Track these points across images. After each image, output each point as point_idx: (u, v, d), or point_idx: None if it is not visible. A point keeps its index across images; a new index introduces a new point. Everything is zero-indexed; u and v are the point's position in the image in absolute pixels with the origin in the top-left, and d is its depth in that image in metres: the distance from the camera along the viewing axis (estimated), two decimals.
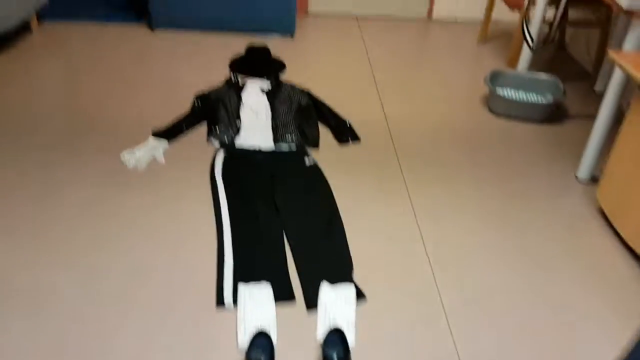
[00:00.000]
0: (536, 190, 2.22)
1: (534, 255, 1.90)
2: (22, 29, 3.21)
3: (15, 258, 1.74)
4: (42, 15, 3.37)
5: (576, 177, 2.29)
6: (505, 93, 2.81)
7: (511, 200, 2.15)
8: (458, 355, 1.54)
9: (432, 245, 1.91)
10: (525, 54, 2.84)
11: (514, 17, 3.85)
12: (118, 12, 3.53)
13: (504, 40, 3.61)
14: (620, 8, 2.00)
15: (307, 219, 1.96)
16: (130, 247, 1.81)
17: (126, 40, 3.21)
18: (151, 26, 3.35)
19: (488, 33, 3.60)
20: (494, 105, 2.72)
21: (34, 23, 3.21)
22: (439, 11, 3.86)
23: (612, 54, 1.83)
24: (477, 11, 3.87)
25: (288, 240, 1.89)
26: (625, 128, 1.92)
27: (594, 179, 2.29)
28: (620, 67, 1.79)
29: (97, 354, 1.48)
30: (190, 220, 1.94)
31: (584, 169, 2.25)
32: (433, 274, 1.80)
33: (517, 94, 2.82)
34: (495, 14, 3.81)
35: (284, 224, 1.94)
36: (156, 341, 1.53)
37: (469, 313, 1.67)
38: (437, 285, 1.76)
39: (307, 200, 2.04)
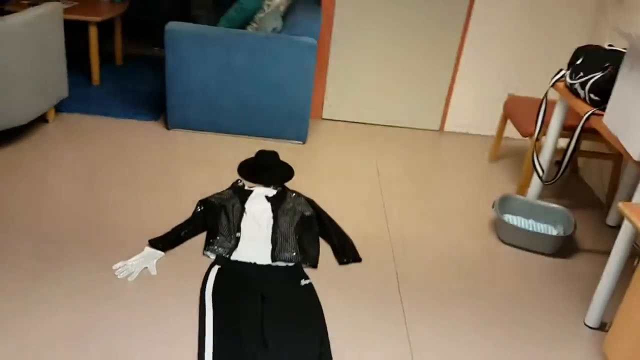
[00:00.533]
0: (542, 333, 2.09)
1: None
2: (39, 118, 3.28)
3: None
4: (60, 105, 3.47)
5: (584, 323, 2.17)
6: (515, 221, 2.74)
7: (515, 342, 2.02)
8: None
9: None
10: (535, 183, 2.80)
11: None
12: (135, 109, 3.61)
13: (516, 159, 3.59)
14: (630, 157, 1.97)
15: (296, 349, 1.85)
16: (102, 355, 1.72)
17: (141, 138, 3.26)
18: (167, 125, 3.42)
19: (500, 150, 3.59)
20: (502, 233, 2.65)
21: (51, 113, 3.29)
22: (451, 124, 3.90)
23: (621, 207, 1.77)
24: (489, 127, 3.89)
25: None
26: (636, 281, 1.82)
27: (603, 326, 2.16)
28: (630, 221, 1.72)
29: None
30: (171, 346, 1.85)
31: (593, 315, 2.13)
32: None
33: (526, 222, 2.75)
34: (508, 132, 3.82)
35: (270, 355, 1.83)
36: None
37: None
38: None
39: (296, 331, 1.94)
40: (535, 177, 2.82)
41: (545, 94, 2.67)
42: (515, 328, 2.11)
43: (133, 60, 4.55)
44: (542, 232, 2.62)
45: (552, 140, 2.72)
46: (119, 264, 2.19)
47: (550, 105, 3.00)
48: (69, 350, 1.77)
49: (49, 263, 2.15)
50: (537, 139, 2.71)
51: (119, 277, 2.12)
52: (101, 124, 3.38)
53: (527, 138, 2.94)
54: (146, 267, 2.19)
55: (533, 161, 2.70)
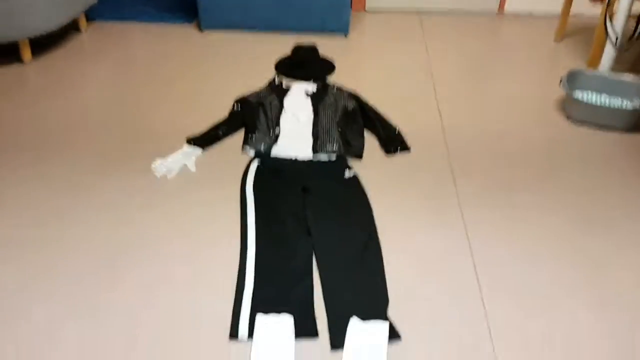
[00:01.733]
0: (618, 218, 1.87)
1: (614, 297, 1.58)
2: (71, 28, 3.19)
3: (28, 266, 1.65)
4: (91, 14, 3.35)
5: None
6: (585, 97, 2.45)
7: (588, 228, 1.82)
8: None
9: (487, 281, 1.63)
10: (608, 52, 2.46)
11: (595, 10, 3.42)
12: (167, 13, 3.45)
13: (585, 37, 3.21)
14: None
15: (340, 243, 1.74)
16: (144, 264, 1.67)
17: (174, 42, 3.12)
18: (200, 27, 3.24)
19: (566, 29, 3.21)
20: (571, 111, 2.38)
21: (83, 22, 3.18)
22: (511, 4, 3.50)
23: None
24: (554, 4, 3.47)
25: (317, 266, 1.68)
26: None
27: None
28: None
29: None
30: (214, 237, 1.78)
31: None
32: (486, 317, 1.53)
33: (599, 98, 2.45)
34: (574, 7, 3.40)
35: (314, 247, 1.73)
36: None
37: None
38: (490, 331, 1.49)
39: (341, 221, 1.82)
40: (607, 48, 2.49)
41: None
42: (588, 211, 1.90)
43: None
44: (617, 106, 2.32)
45: (626, 1, 2.35)
46: (158, 161, 2.11)
47: None
48: (115, 250, 1.74)
49: (88, 173, 2.10)
50: (609, 3, 2.35)
51: (158, 174, 2.05)
52: (134, 29, 3.25)
53: (596, 4, 2.57)
54: (185, 165, 2.11)
55: (605, 26, 2.36)
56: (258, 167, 2.08)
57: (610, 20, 2.35)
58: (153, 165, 2.10)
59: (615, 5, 2.43)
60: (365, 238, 1.76)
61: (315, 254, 1.71)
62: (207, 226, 1.82)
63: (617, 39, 2.37)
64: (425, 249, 1.74)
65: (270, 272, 1.65)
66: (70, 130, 2.32)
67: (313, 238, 1.75)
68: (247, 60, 2.93)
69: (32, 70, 2.79)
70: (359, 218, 1.85)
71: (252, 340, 1.45)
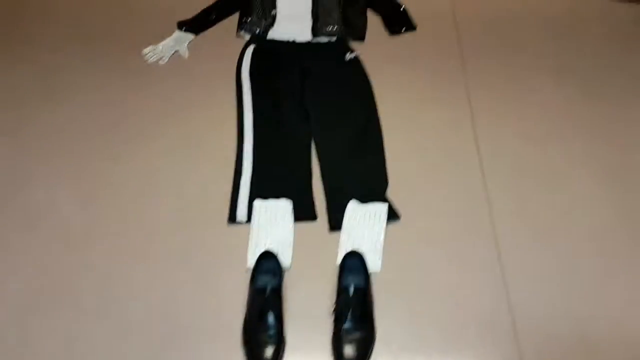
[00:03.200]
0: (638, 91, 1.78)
1: (623, 172, 1.53)
2: None
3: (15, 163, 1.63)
4: None
5: None
6: None
7: (603, 104, 1.73)
8: (509, 304, 1.28)
9: (489, 158, 1.58)
10: None
11: None
12: None
13: None
14: None
15: (340, 125, 1.68)
16: (140, 152, 1.64)
17: None
18: None
19: None
20: None
21: None
22: None
23: None
24: None
25: (316, 149, 1.63)
26: None
27: None
28: None
29: (94, 269, 1.36)
30: (210, 122, 1.73)
31: None
32: (487, 196, 1.49)
33: None
34: None
35: (312, 130, 1.67)
36: (158, 256, 1.38)
37: (529, 253, 1.37)
38: (490, 208, 1.46)
39: (341, 103, 1.74)
40: None
41: None
42: (605, 87, 1.80)
43: None
44: None
45: None
46: (149, 48, 2.01)
47: None
48: (105, 131, 1.70)
49: (74, 54, 2.00)
50: None
51: (149, 61, 1.96)
52: None
53: None
54: (177, 51, 2.01)
55: None
56: (254, 51, 1.97)
57: None
58: (144, 52, 2.00)
59: None
60: (365, 120, 1.70)
61: (313, 137, 1.66)
62: (203, 111, 1.76)
63: None
64: (427, 128, 1.68)
65: (268, 156, 1.61)
66: (55, 9, 2.19)
67: (312, 121, 1.69)
68: None
69: None
70: (360, 100, 1.77)
71: (250, 225, 1.45)
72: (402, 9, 2.14)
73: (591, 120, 1.69)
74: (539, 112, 1.72)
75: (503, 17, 2.12)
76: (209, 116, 1.75)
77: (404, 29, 2.08)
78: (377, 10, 2.18)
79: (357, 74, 1.88)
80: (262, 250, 1.34)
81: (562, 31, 2.04)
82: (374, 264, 1.31)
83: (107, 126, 1.72)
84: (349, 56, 1.94)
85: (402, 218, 1.44)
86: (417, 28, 2.08)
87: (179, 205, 1.50)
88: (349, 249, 1.34)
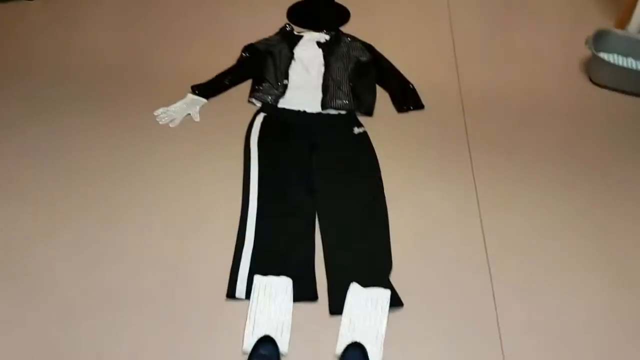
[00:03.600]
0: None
1: (628, 274, 1.53)
2: None
3: (18, 228, 1.62)
4: None
5: None
6: (612, 59, 2.31)
7: (609, 200, 1.75)
8: None
9: (495, 250, 1.58)
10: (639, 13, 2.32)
11: None
12: None
13: None
14: None
15: (345, 204, 1.68)
16: (142, 218, 1.64)
17: None
18: None
19: None
20: (596, 73, 2.25)
21: None
22: None
23: None
24: None
25: (320, 227, 1.63)
26: None
27: None
28: None
29: (92, 342, 1.33)
30: (215, 191, 1.73)
31: None
32: (492, 288, 1.49)
33: (625, 61, 2.32)
34: None
35: (318, 206, 1.68)
36: (154, 328, 1.36)
37: (531, 345, 1.36)
38: (495, 306, 1.45)
39: (347, 181, 1.76)
40: (638, 8, 2.33)
41: None
42: (610, 182, 1.83)
43: None
44: None
45: None
46: (160, 109, 2.04)
47: None
48: (110, 192, 1.70)
49: (85, 113, 2.03)
50: None
51: (160, 122, 1.99)
52: None
53: None
54: (189, 114, 2.04)
55: None
56: (264, 119, 2.00)
57: None
58: (155, 113, 2.03)
59: None
60: (371, 200, 1.71)
61: (318, 215, 1.66)
62: (209, 179, 1.77)
63: None
64: (433, 212, 1.68)
65: (271, 231, 1.61)
66: (68, 69, 2.23)
67: (317, 197, 1.70)
68: (256, 3, 2.79)
69: (35, 7, 2.68)
70: (366, 178, 1.79)
71: (249, 301, 1.43)
72: (410, 88, 2.20)
73: (593, 208, 1.71)
74: (542, 196, 1.74)
75: (508, 100, 2.17)
76: (216, 183, 1.76)
77: (412, 107, 2.12)
78: (386, 87, 2.23)
79: (364, 149, 1.90)
80: (260, 332, 1.32)
81: (566, 117, 2.08)
82: (374, 356, 1.28)
83: (110, 191, 1.72)
84: (357, 130, 1.97)
85: (405, 304, 1.43)
86: (425, 107, 2.12)
87: (179, 276, 1.49)
88: (349, 338, 1.32)
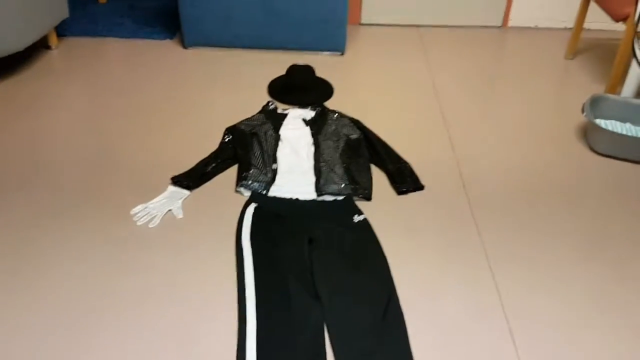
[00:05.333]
0: None
1: None
2: (40, 45, 2.88)
3: None
4: (62, 30, 3.04)
5: None
6: (609, 126, 2.24)
7: (616, 274, 1.61)
8: None
9: (525, 345, 1.40)
10: (633, 77, 2.27)
11: (609, 24, 3.24)
12: (146, 27, 3.16)
13: (598, 54, 3.02)
14: None
15: (355, 309, 1.49)
16: (119, 332, 1.40)
17: (155, 60, 2.84)
18: (183, 43, 2.97)
19: (578, 45, 3.01)
20: (595, 141, 2.17)
21: (53, 39, 2.88)
22: (516, 17, 3.30)
23: None
24: (563, 17, 3.28)
25: (330, 339, 1.43)
26: None
27: None
28: None
29: None
30: (206, 302, 1.51)
31: None
32: None
33: (623, 127, 2.25)
34: (586, 21, 3.21)
35: (325, 316, 1.48)
36: None
37: None
38: None
39: (355, 280, 1.57)
40: (631, 72, 2.29)
41: None
42: (617, 256, 1.69)
43: None
44: None
45: None
46: (138, 207, 1.84)
47: None
48: (82, 320, 1.46)
49: (54, 215, 1.82)
50: (637, 23, 2.15)
51: (138, 223, 1.78)
52: (110, 46, 2.97)
53: (620, 23, 2.37)
54: (170, 210, 1.84)
55: (633, 49, 2.15)
56: (255, 212, 1.82)
57: (639, 41, 2.15)
58: (132, 212, 1.83)
59: None
60: (385, 302, 1.51)
61: (327, 326, 1.46)
62: (198, 287, 1.56)
63: None
64: (447, 307, 1.50)
65: (274, 349, 1.39)
66: (35, 163, 2.03)
67: (323, 303, 1.50)
68: (237, 81, 2.67)
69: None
70: (375, 275, 1.60)
71: None
72: (407, 167, 2.06)
73: (610, 287, 1.56)
74: (560, 274, 1.58)
75: (509, 174, 2.05)
76: (205, 295, 1.54)
77: (411, 189, 1.98)
78: (382, 168, 2.09)
79: (367, 240, 1.73)
80: None
81: (571, 188, 1.97)
82: None
83: (83, 311, 1.49)
84: (357, 219, 1.80)
85: None
86: (425, 188, 1.98)
87: None
88: None
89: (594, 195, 1.96)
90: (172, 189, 1.93)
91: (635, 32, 2.17)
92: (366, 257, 1.66)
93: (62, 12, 2.83)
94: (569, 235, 1.78)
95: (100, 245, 1.69)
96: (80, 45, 2.95)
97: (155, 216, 1.81)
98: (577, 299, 1.55)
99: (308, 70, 2.65)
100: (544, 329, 1.46)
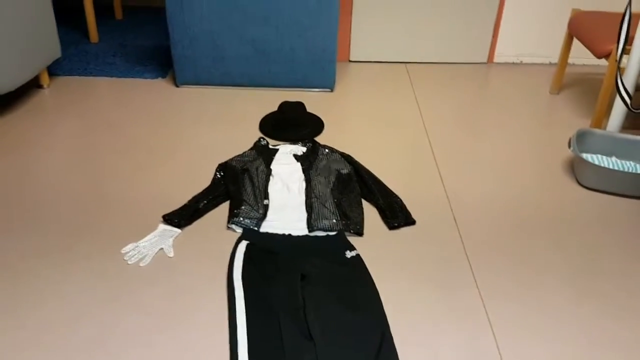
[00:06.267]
0: None
1: None
2: (32, 85, 2.90)
3: None
4: (54, 69, 3.07)
5: None
6: (596, 160, 2.27)
7: (611, 308, 1.61)
8: None
9: None
10: (617, 112, 2.32)
11: (593, 59, 3.32)
12: (138, 66, 3.20)
13: (583, 88, 3.09)
14: None
15: (347, 346, 1.46)
16: None
17: (147, 99, 2.86)
18: (175, 82, 3.00)
19: (563, 79, 3.08)
20: (582, 176, 2.20)
21: (45, 78, 2.90)
22: (501, 54, 3.38)
23: None
24: (547, 52, 3.36)
25: None
26: None
27: None
28: None
29: None
30: (197, 344, 1.49)
31: None
32: None
33: (608, 161, 2.28)
34: (570, 57, 3.30)
35: (316, 352, 1.45)
36: None
37: None
38: None
39: (347, 318, 1.55)
40: (616, 107, 2.34)
41: (629, 3, 2.16)
42: (610, 291, 1.69)
43: (134, 12, 4.10)
44: (631, 170, 2.16)
45: (637, 59, 2.22)
46: (129, 246, 1.83)
47: (635, 18, 2.47)
48: (72, 353, 1.43)
49: (41, 256, 1.79)
50: (619, 59, 2.21)
51: (129, 262, 1.76)
52: (102, 85, 2.99)
53: (602, 59, 2.44)
54: (161, 248, 1.83)
55: (617, 85, 2.21)
56: (247, 249, 1.81)
57: (622, 78, 2.21)
58: (123, 251, 1.81)
59: (624, 60, 2.29)
60: (378, 340, 1.49)
61: None
62: (188, 328, 1.53)
63: (630, 98, 2.22)
64: (443, 348, 1.49)
65: None
66: (22, 203, 2.01)
67: (316, 344, 1.48)
68: (229, 117, 2.69)
69: None
70: (368, 313, 1.59)
71: None
72: (398, 202, 2.07)
73: (604, 321, 1.56)
74: (559, 325, 1.58)
75: (500, 209, 2.07)
76: (195, 338, 1.52)
77: (402, 223, 1.98)
78: (372, 203, 2.10)
79: (360, 277, 1.72)
80: None
81: (561, 223, 1.99)
82: None
83: (72, 350, 1.46)
84: (349, 254, 1.80)
85: None
86: (416, 223, 1.99)
87: None
88: None
89: (583, 229, 1.98)
90: (163, 227, 1.92)
91: (619, 69, 2.22)
92: (359, 294, 1.65)
93: (55, 52, 2.86)
94: (559, 271, 1.78)
95: (90, 285, 1.66)
96: (72, 84, 2.97)
97: (146, 255, 1.79)
98: (571, 335, 1.55)
99: (298, 105, 2.69)
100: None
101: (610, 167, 2.19)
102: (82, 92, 2.89)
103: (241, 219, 1.94)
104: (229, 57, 2.88)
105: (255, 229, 1.90)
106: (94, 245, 1.83)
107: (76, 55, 3.28)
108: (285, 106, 2.67)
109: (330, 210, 1.98)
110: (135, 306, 1.60)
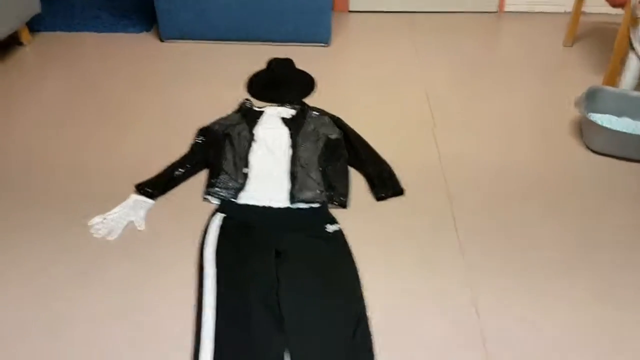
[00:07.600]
0: None
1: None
2: (12, 42, 2.76)
3: None
4: (35, 25, 2.92)
5: None
6: (606, 121, 2.09)
7: (614, 282, 1.49)
8: None
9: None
10: (632, 68, 2.11)
11: (609, 8, 3.05)
12: (123, 20, 3.03)
13: (598, 40, 2.85)
14: None
15: (323, 335, 1.38)
16: (75, 350, 1.31)
17: (130, 54, 2.72)
18: (160, 37, 2.84)
19: (576, 31, 2.83)
20: (590, 138, 2.03)
21: (25, 35, 2.76)
22: (512, 2, 3.13)
23: None
24: (561, 0, 3.10)
25: None
26: None
27: None
28: None
29: None
30: (162, 325, 1.42)
31: None
32: None
33: (619, 122, 2.10)
34: (585, 5, 3.03)
35: (288, 341, 1.37)
36: None
37: None
38: None
39: (323, 301, 1.46)
40: (629, 62, 2.13)
41: None
42: (612, 260, 1.57)
43: None
44: None
45: None
46: (96, 218, 1.73)
47: None
48: (36, 331, 1.37)
49: (4, 222, 1.72)
50: (635, 9, 1.99)
51: (96, 235, 1.68)
52: (84, 40, 2.85)
53: (618, 9, 2.21)
54: (132, 221, 1.74)
55: (630, 39, 2.00)
56: (222, 223, 1.70)
57: (635, 31, 1.99)
58: (90, 223, 1.72)
59: (639, 11, 2.06)
60: (354, 325, 1.40)
61: (288, 347, 1.35)
62: (154, 307, 1.46)
63: None
64: (423, 329, 1.39)
65: None
66: None
67: (287, 326, 1.39)
68: (214, 76, 2.54)
69: None
70: (345, 295, 1.49)
71: None
72: (387, 170, 1.94)
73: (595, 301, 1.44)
74: (552, 308, 1.47)
75: (497, 176, 1.93)
76: (160, 319, 1.44)
77: (390, 194, 1.86)
78: (360, 170, 1.97)
79: (340, 254, 1.61)
80: None
81: (563, 190, 1.84)
82: None
83: (38, 323, 1.40)
84: (331, 228, 1.69)
85: None
86: (406, 190, 1.86)
87: None
88: None
89: (584, 195, 1.83)
90: (135, 197, 1.82)
91: (632, 19, 2.01)
92: (337, 274, 1.55)
93: (34, 7, 2.71)
94: (556, 245, 1.65)
95: (55, 256, 1.59)
96: (55, 41, 2.83)
97: (114, 229, 1.70)
98: (561, 314, 1.44)
99: (288, 62, 2.52)
100: (523, 356, 1.35)
101: (620, 128, 2.01)
102: (64, 49, 2.76)
103: (218, 189, 1.83)
104: (212, 9, 2.70)
105: (233, 200, 1.79)
106: (61, 216, 1.75)
107: (59, 11, 3.12)
108: (273, 63, 2.51)
109: (314, 180, 1.86)
110: (100, 280, 1.53)
